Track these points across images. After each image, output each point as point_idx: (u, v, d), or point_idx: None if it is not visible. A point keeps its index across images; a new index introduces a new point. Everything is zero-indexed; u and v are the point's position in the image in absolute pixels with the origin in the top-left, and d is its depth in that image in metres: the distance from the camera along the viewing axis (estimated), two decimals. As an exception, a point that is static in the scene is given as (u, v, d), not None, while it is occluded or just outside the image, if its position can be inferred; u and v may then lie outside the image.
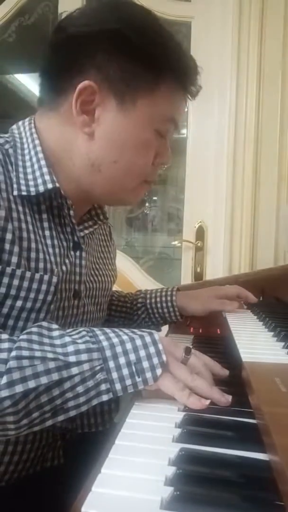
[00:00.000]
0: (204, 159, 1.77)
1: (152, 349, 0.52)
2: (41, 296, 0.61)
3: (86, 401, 0.50)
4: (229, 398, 0.52)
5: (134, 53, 0.62)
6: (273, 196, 1.69)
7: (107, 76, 0.63)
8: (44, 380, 0.47)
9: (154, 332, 0.54)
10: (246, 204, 1.71)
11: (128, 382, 0.51)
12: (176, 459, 0.39)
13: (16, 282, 0.59)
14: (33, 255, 0.61)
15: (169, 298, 0.96)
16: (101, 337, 0.52)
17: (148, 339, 0.53)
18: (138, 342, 0.52)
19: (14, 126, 0.70)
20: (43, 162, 0.65)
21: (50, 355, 0.49)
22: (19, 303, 0.59)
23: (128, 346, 0.52)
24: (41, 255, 0.62)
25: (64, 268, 0.65)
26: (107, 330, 0.54)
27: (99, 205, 0.80)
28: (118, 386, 0.50)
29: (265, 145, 1.70)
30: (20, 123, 0.70)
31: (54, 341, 0.51)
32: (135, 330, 0.55)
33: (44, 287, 0.61)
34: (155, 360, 0.52)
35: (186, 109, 0.73)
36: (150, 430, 0.45)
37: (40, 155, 0.65)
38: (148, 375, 0.51)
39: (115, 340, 0.52)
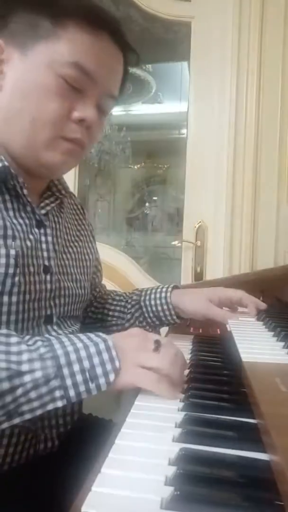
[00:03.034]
0: (204, 159, 1.77)
1: (105, 356, 0.54)
2: (2, 269, 0.62)
3: (40, 406, 0.52)
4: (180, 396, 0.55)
5: (35, 6, 0.66)
6: (273, 196, 1.69)
7: (11, 31, 0.66)
8: None
9: (109, 339, 0.56)
10: (246, 204, 1.71)
11: (82, 388, 0.53)
12: (176, 459, 0.39)
13: None
14: None
15: (163, 295, 0.91)
16: (56, 346, 0.55)
17: (102, 346, 0.55)
18: (92, 349, 0.55)
19: None
20: None
21: (2, 365, 0.51)
22: None
23: (82, 353, 0.54)
24: (0, 231, 0.64)
25: (28, 243, 0.67)
26: (64, 338, 0.56)
27: (59, 181, 0.80)
28: (72, 392, 0.52)
29: (265, 145, 1.70)
30: None
31: (11, 348, 0.53)
32: (91, 336, 0.57)
33: (3, 260, 0.63)
34: (108, 367, 0.54)
35: (108, 64, 0.69)
36: (150, 430, 0.45)
37: None
38: (102, 381, 0.53)
39: (70, 348, 0.54)
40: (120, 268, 1.89)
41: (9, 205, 0.68)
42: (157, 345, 0.57)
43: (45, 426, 0.70)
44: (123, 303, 0.97)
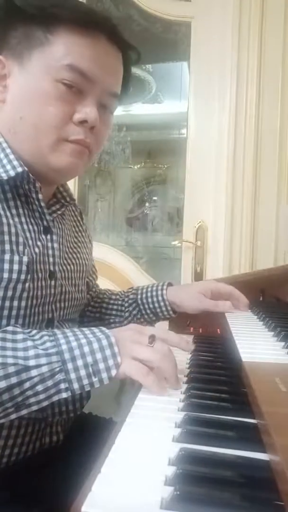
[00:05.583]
0: (204, 159, 1.77)
1: (108, 352, 0.57)
2: (14, 275, 0.64)
3: (46, 398, 0.55)
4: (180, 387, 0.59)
5: (22, 16, 0.67)
6: (273, 196, 1.70)
7: (8, 44, 0.68)
8: (3, 384, 0.53)
9: (111, 335, 0.59)
10: (246, 204, 1.71)
11: (85, 381, 0.56)
12: (176, 459, 0.39)
13: None
14: (6, 237, 0.65)
15: (159, 292, 0.95)
16: (61, 341, 0.57)
17: (104, 342, 0.57)
18: (95, 345, 0.57)
19: None
20: (8, 150, 0.69)
21: (10, 360, 0.54)
22: None
23: (86, 349, 0.57)
24: (12, 238, 0.66)
25: (36, 250, 0.69)
26: (69, 333, 0.59)
27: (64, 187, 0.82)
28: (76, 385, 0.55)
29: (265, 145, 1.70)
30: None
31: (17, 345, 0.56)
32: (95, 331, 0.59)
33: (16, 266, 0.65)
34: (110, 362, 0.56)
35: (105, 63, 0.70)
36: (150, 430, 0.45)
37: (4, 144, 0.69)
38: (104, 375, 0.56)
39: (74, 343, 0.57)
40: (120, 268, 1.89)
41: (20, 211, 0.70)
42: (152, 339, 0.60)
43: (54, 414, 0.72)
44: (120, 302, 1.00)
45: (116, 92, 0.73)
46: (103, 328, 0.60)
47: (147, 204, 2.92)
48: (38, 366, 0.54)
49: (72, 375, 0.55)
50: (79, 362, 0.56)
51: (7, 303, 0.64)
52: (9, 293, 0.64)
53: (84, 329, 0.60)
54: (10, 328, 0.59)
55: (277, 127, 1.69)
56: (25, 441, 0.68)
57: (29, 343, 0.56)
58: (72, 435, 0.78)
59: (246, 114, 1.70)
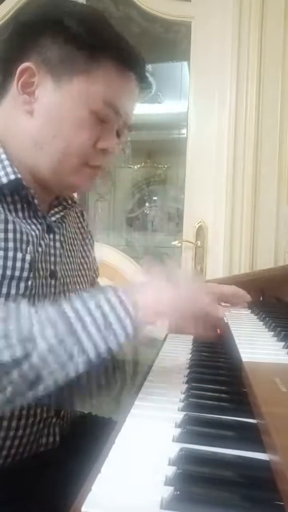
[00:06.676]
0: (204, 159, 1.77)
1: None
2: (17, 273, 0.65)
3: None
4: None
5: (72, 38, 0.68)
6: (273, 196, 1.70)
7: (46, 58, 0.70)
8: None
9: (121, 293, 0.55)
10: (246, 204, 1.71)
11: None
12: (176, 459, 0.39)
13: None
14: (10, 235, 0.65)
15: None
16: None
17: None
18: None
19: None
20: (3, 156, 0.69)
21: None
22: None
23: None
24: (17, 235, 0.66)
25: (39, 249, 0.71)
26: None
27: None
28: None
29: (265, 145, 1.70)
30: None
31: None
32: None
33: (18, 264, 0.65)
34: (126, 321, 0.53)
35: (131, 100, 0.75)
36: (150, 430, 0.45)
37: (0, 150, 0.70)
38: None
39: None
40: (120, 268, 1.89)
41: (24, 211, 0.71)
42: None
43: (45, 423, 0.72)
44: None
45: (130, 125, 0.78)
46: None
47: (147, 204, 2.92)
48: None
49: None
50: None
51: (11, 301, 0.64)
52: (13, 290, 0.64)
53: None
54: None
55: (277, 127, 1.69)
56: (22, 442, 0.68)
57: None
58: (72, 435, 0.78)
59: (246, 114, 1.70)
